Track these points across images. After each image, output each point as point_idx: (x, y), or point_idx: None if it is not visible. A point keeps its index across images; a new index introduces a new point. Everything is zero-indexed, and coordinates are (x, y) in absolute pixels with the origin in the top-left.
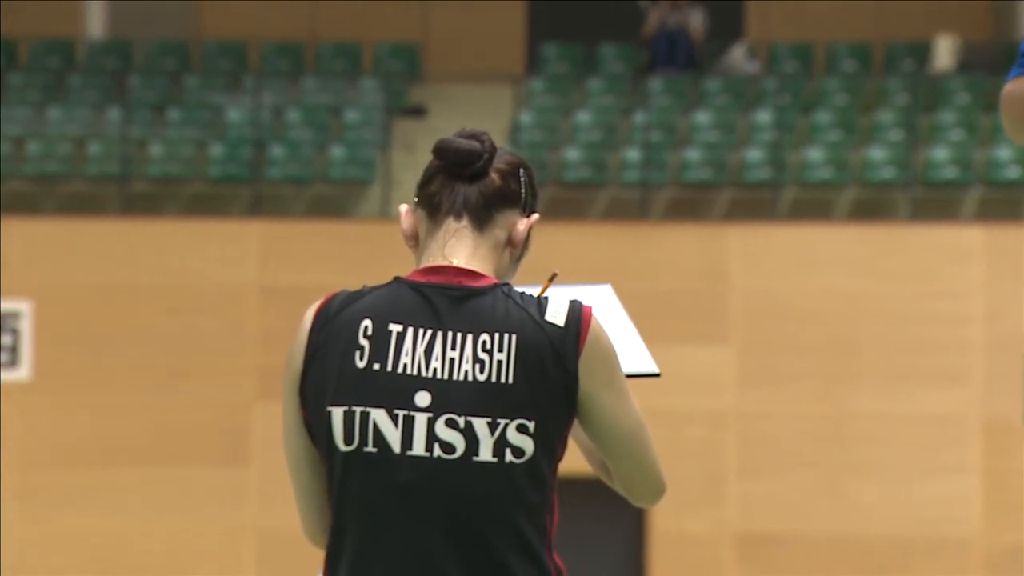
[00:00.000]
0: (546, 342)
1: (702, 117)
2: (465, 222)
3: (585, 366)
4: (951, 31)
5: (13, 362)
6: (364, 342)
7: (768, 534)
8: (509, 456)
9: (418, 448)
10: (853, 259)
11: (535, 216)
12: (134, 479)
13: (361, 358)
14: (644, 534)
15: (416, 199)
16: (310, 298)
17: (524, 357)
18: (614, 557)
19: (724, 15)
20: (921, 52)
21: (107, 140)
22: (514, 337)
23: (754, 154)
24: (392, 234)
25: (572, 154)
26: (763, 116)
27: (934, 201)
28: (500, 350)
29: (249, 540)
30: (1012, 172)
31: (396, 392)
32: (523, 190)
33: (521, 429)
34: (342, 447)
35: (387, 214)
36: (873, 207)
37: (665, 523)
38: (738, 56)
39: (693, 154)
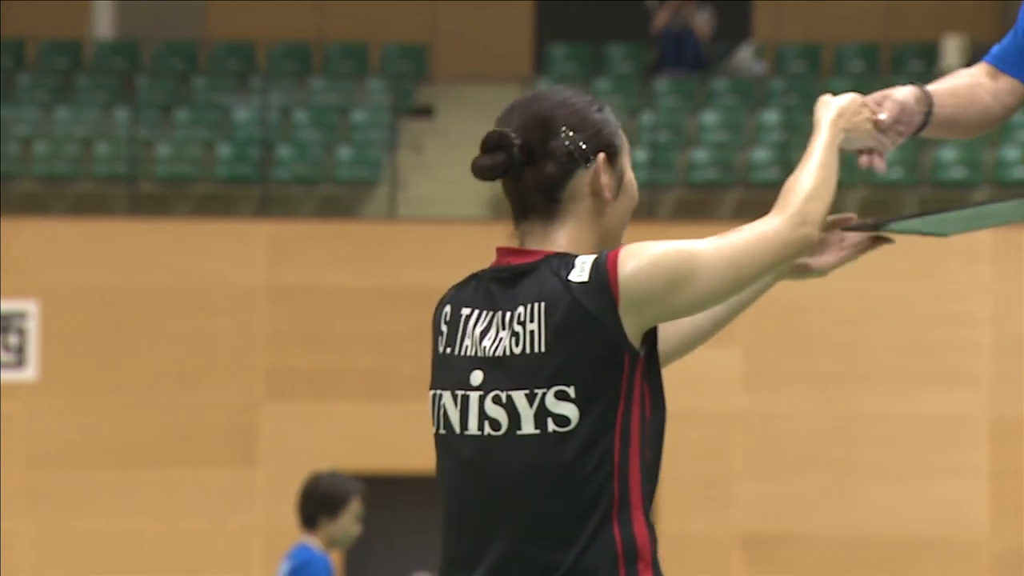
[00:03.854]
0: (573, 302)
1: (709, 117)
2: (534, 219)
3: (631, 307)
4: (959, 31)
5: (20, 362)
6: (444, 327)
7: (775, 535)
8: (552, 426)
9: (472, 427)
10: (861, 259)
11: (601, 156)
12: (142, 480)
13: (441, 344)
14: None
15: None
16: (319, 298)
17: (553, 323)
18: None
19: (731, 15)
20: (929, 52)
21: (115, 140)
22: (542, 305)
23: (761, 154)
24: (400, 234)
25: None
26: (771, 116)
27: (942, 201)
28: (531, 320)
29: (257, 541)
30: (1020, 172)
31: (458, 373)
32: (570, 150)
33: (560, 396)
34: (433, 430)
35: (394, 214)
36: (881, 207)
37: (671, 524)
38: (745, 56)
39: (701, 154)
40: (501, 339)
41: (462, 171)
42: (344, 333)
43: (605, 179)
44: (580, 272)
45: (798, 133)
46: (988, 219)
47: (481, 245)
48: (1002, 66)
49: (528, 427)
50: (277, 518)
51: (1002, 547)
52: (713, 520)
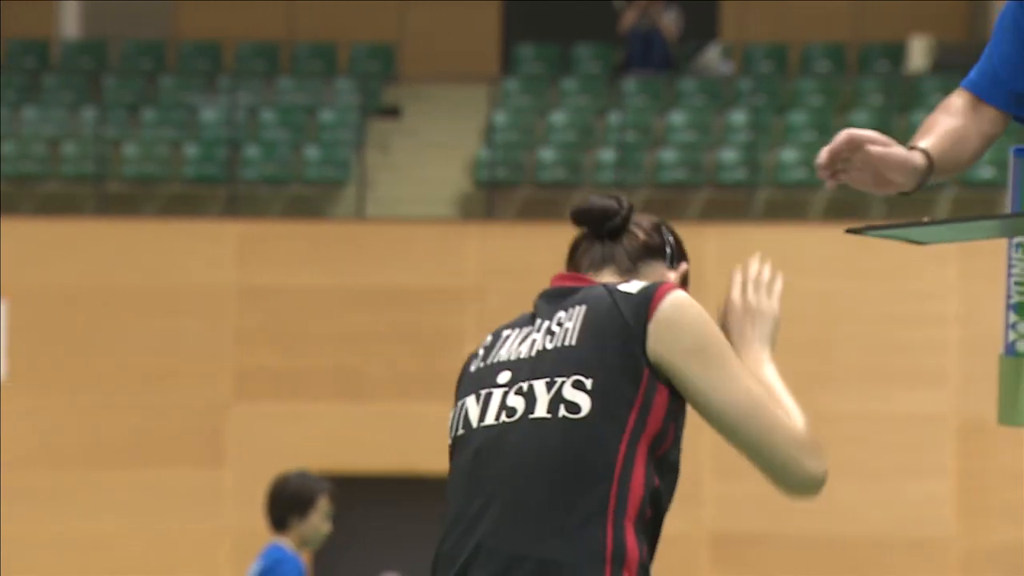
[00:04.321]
0: (612, 306)
1: (677, 117)
2: (608, 270)
3: (657, 331)
4: (926, 32)
5: None
6: (481, 351)
7: (744, 534)
8: (563, 411)
9: (490, 418)
10: (829, 260)
11: (684, 266)
12: (110, 480)
13: (474, 363)
14: None
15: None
16: (287, 299)
17: (588, 321)
18: None
19: (699, 15)
20: (896, 53)
21: (82, 140)
22: (584, 307)
23: (729, 154)
24: (369, 234)
25: (547, 154)
26: (738, 116)
27: (909, 202)
28: (569, 320)
29: (226, 542)
30: (986, 172)
31: (485, 378)
32: (667, 245)
33: (577, 385)
34: (450, 438)
35: (362, 214)
36: (848, 207)
37: None
38: (712, 57)
39: (668, 154)
40: (535, 340)
41: (430, 171)
42: (313, 333)
43: (675, 284)
44: (630, 286)
45: (765, 133)
46: (973, 232)
47: (450, 245)
48: (984, 95)
49: (541, 411)
50: (246, 519)
51: (970, 546)
52: (683, 519)
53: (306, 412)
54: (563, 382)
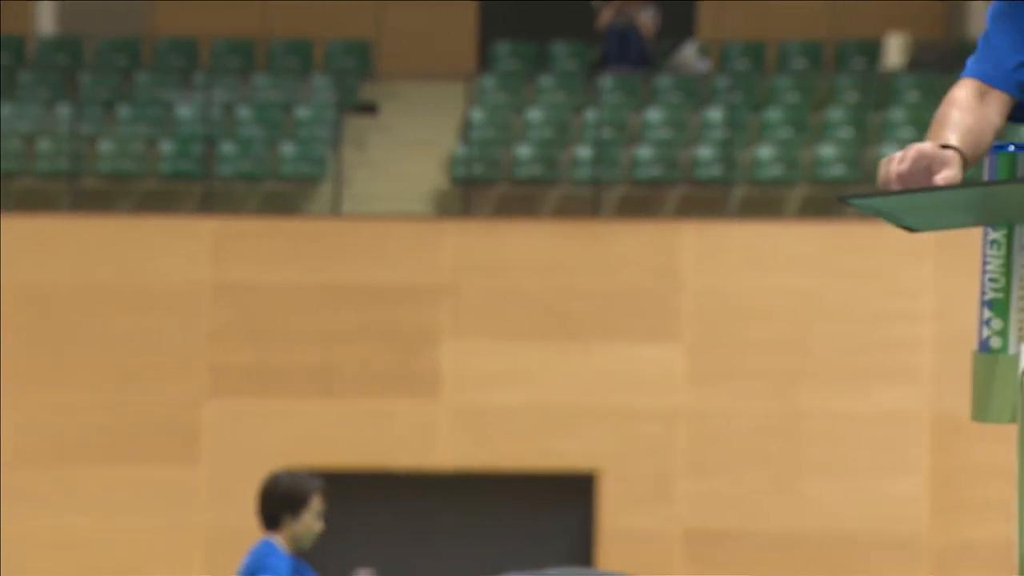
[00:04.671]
0: None
1: (653, 114)
2: None
3: None
4: (903, 29)
5: None
6: None
7: (718, 531)
8: None
9: None
10: (804, 256)
11: None
12: (85, 477)
13: None
14: (593, 530)
15: None
16: (262, 295)
17: None
18: (563, 553)
19: (675, 13)
20: (872, 50)
21: (57, 137)
22: None
23: (705, 151)
24: (345, 231)
25: (524, 151)
26: (714, 114)
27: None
28: None
29: (200, 539)
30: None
31: None
32: None
33: None
34: None
35: (338, 211)
36: (824, 204)
37: (615, 519)
38: (689, 54)
39: (644, 151)
40: None
41: (406, 167)
42: (288, 330)
43: None
44: None
45: (742, 130)
46: (958, 211)
47: (426, 241)
48: (991, 81)
49: None
50: (221, 516)
51: (944, 542)
52: (656, 516)
53: (281, 409)
54: None
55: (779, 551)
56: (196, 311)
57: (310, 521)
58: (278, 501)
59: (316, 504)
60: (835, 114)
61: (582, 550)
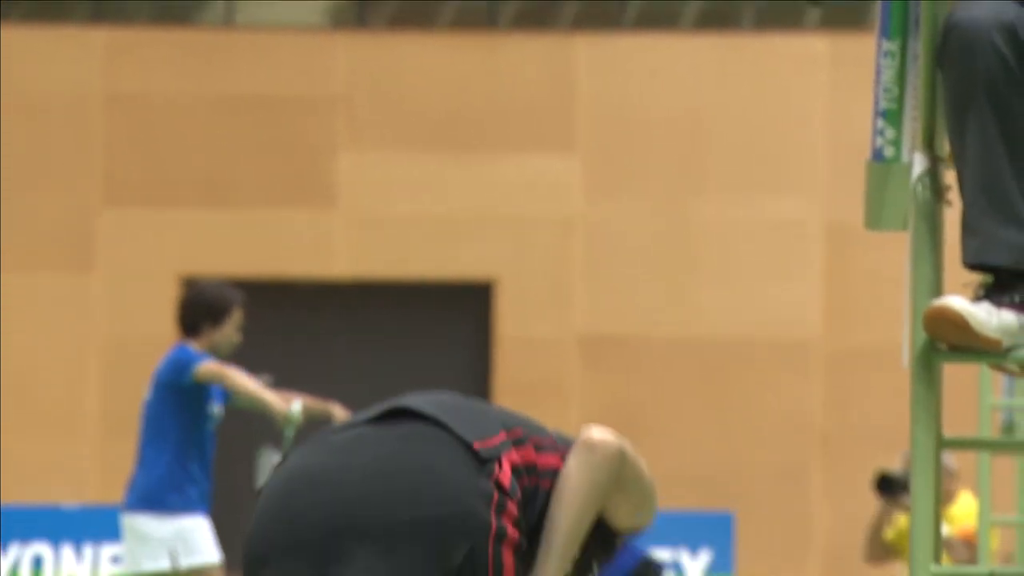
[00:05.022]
0: None
1: None
2: None
3: None
4: None
5: None
6: None
7: (612, 337)
8: None
9: None
10: (699, 68)
11: None
12: None
13: None
14: (490, 337)
15: None
16: (155, 107)
17: None
18: (460, 361)
19: None
20: None
21: None
22: None
23: None
24: (237, 42)
25: None
26: None
27: (779, 10)
28: None
29: (94, 346)
30: None
31: None
32: None
33: None
34: None
35: (231, 21)
36: (720, 16)
37: (511, 327)
38: None
39: None
40: None
41: None
42: (182, 141)
43: None
44: None
45: None
46: None
47: (320, 53)
48: None
49: None
50: (116, 325)
51: (836, 347)
52: (552, 323)
53: (177, 219)
54: None
55: (673, 356)
56: (88, 122)
57: (230, 332)
58: (200, 309)
59: (237, 316)
60: None
61: (479, 357)
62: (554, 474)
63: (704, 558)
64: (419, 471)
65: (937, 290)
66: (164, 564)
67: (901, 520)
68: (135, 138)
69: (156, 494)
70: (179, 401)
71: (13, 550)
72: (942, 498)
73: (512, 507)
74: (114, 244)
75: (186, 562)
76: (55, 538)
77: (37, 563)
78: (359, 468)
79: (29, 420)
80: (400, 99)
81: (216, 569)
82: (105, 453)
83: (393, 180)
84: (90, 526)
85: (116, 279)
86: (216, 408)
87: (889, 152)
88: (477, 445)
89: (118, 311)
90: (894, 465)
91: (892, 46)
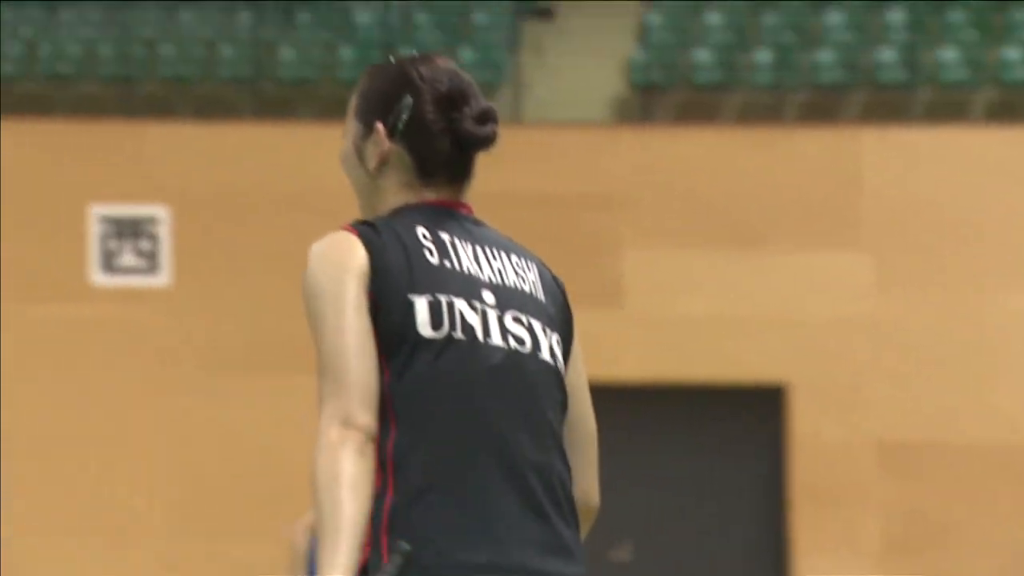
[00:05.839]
0: (557, 291)
1: (834, 17)
2: (464, 185)
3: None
4: None
5: (153, 268)
6: (427, 243)
7: (910, 442)
8: (555, 362)
9: (496, 338)
10: (989, 161)
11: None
12: (276, 384)
13: (431, 255)
14: (782, 441)
15: None
16: None
17: (547, 289)
18: (751, 465)
19: None
20: None
21: (238, 42)
22: (536, 269)
23: (888, 54)
24: (522, 139)
25: (702, 56)
26: (896, 15)
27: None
28: (530, 272)
29: None
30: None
31: (468, 287)
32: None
33: (558, 343)
34: (427, 333)
35: (517, 119)
36: (1009, 108)
37: (806, 431)
38: None
39: (825, 55)
40: (503, 270)
41: (584, 73)
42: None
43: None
44: (555, 277)
45: (925, 32)
46: None
47: (603, 149)
48: None
49: (545, 354)
50: None
51: None
52: (844, 424)
53: None
54: (552, 335)
55: (973, 462)
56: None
57: None
58: None
59: None
60: (1021, 14)
61: (773, 460)
62: None
63: None
64: None
65: None
66: None
67: None
68: None
69: None
70: None
71: None
72: None
73: None
74: None
75: None
76: None
77: None
78: None
79: None
80: (685, 195)
81: None
82: None
83: (678, 278)
84: None
85: None
86: None
87: None
88: None
89: None
90: None
91: None
